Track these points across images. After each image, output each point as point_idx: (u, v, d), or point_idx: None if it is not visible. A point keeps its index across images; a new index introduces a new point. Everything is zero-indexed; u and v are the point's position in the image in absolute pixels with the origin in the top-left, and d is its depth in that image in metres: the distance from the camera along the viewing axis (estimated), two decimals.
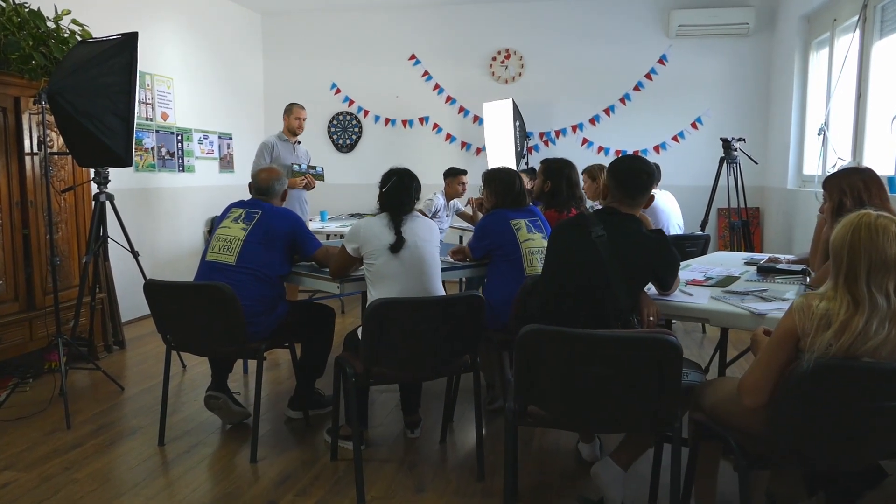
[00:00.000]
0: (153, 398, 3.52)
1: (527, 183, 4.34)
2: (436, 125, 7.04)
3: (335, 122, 7.28)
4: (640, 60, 6.52)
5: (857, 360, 1.64)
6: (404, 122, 7.12)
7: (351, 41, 7.11)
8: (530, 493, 2.58)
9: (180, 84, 5.90)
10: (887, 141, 3.97)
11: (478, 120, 6.86)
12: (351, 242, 2.79)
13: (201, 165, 6.23)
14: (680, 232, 4.71)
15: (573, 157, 3.77)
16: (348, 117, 7.25)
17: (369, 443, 3.00)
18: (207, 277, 2.93)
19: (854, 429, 1.72)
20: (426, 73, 6.99)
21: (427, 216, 3.53)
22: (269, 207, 3.11)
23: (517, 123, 6.16)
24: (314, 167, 5.19)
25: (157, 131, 5.61)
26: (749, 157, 5.57)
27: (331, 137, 7.30)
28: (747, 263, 3.35)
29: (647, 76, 6.53)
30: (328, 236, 5.39)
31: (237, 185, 6.37)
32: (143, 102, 5.42)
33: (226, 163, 6.64)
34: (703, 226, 5.56)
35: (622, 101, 6.62)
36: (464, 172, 5.39)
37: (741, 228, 5.45)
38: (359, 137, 7.26)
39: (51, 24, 3.81)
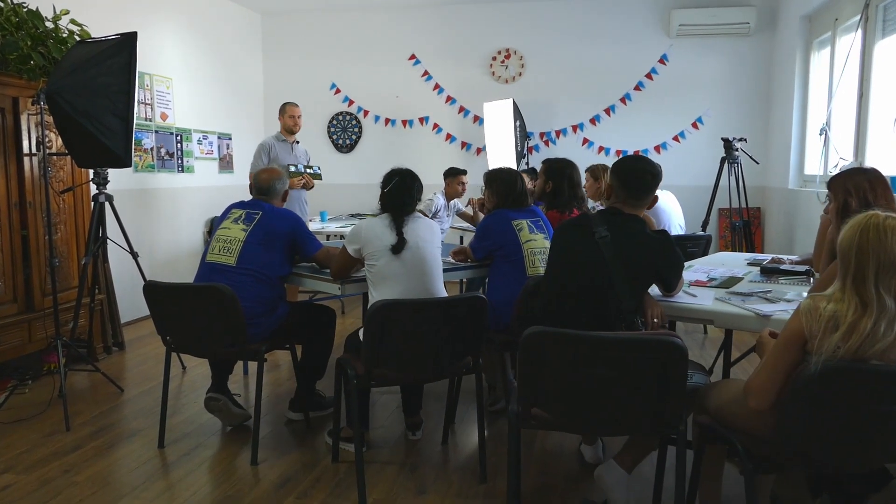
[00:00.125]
0: (153, 400, 3.50)
1: (527, 183, 4.32)
2: (436, 125, 7.02)
3: (335, 122, 7.26)
4: (641, 60, 6.50)
5: (865, 362, 1.62)
6: (404, 122, 7.10)
7: (351, 41, 7.10)
8: (533, 496, 2.56)
9: (180, 84, 5.88)
10: (890, 141, 3.95)
11: (478, 120, 6.84)
12: (352, 243, 2.78)
13: (201, 166, 6.21)
14: (681, 232, 4.69)
15: (574, 157, 3.75)
16: (348, 117, 7.23)
17: (370, 445, 2.98)
18: (207, 278, 2.92)
19: (862, 432, 1.71)
20: (426, 72, 6.97)
21: (427, 216, 3.52)
22: (269, 208, 3.09)
23: (517, 123, 6.15)
24: (311, 167, 5.17)
25: (156, 132, 5.59)
26: (750, 157, 5.55)
27: (330, 137, 7.28)
28: (750, 264, 3.33)
29: (648, 76, 6.52)
30: (328, 237, 5.38)
31: (237, 185, 6.35)
32: (143, 103, 5.40)
33: (225, 163, 6.62)
34: (704, 226, 5.55)
35: (623, 100, 6.60)
36: (464, 172, 5.38)
37: (742, 229, 5.43)
38: (359, 137, 7.24)
39: (49, 24, 3.79)
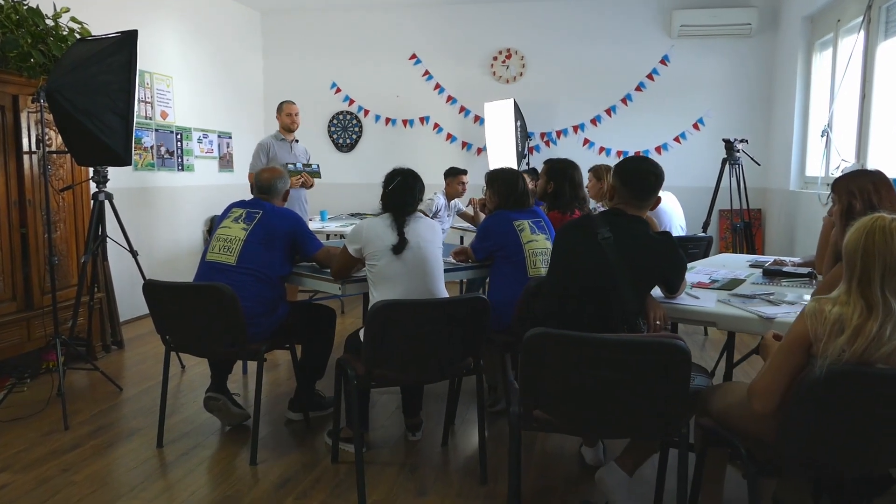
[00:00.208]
0: (152, 399, 3.49)
1: (528, 183, 4.31)
2: (436, 125, 7.01)
3: (335, 121, 7.24)
4: (642, 61, 6.49)
5: (870, 366, 1.61)
6: (405, 122, 7.09)
7: (351, 40, 7.08)
8: (533, 498, 2.55)
9: (180, 82, 5.86)
10: (892, 143, 3.94)
11: (478, 120, 6.83)
12: (353, 243, 2.76)
13: (201, 164, 6.20)
14: (682, 233, 4.68)
15: (574, 157, 3.74)
16: (348, 117, 7.21)
17: (370, 445, 2.97)
18: (208, 278, 2.90)
19: (867, 436, 1.70)
20: (427, 72, 6.96)
21: (428, 216, 3.51)
22: (270, 207, 3.07)
23: (518, 123, 6.13)
24: (310, 165, 5.15)
25: (156, 130, 5.57)
26: (751, 159, 5.54)
27: (331, 137, 7.27)
28: (752, 266, 3.32)
29: (649, 76, 6.51)
30: (328, 236, 5.36)
31: (237, 184, 6.33)
32: (143, 101, 5.38)
33: (225, 162, 6.61)
34: (704, 227, 5.55)
35: (624, 101, 6.59)
36: (464, 172, 5.38)
37: (743, 230, 5.42)
38: (359, 137, 7.22)
39: (49, 22, 3.77)
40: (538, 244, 3.10)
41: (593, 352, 1.92)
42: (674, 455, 2.19)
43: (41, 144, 3.50)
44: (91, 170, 3.91)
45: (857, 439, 1.70)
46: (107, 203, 3.90)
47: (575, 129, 6.72)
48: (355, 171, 7.18)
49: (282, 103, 5.20)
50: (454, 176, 5.33)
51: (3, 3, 3.58)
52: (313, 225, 5.44)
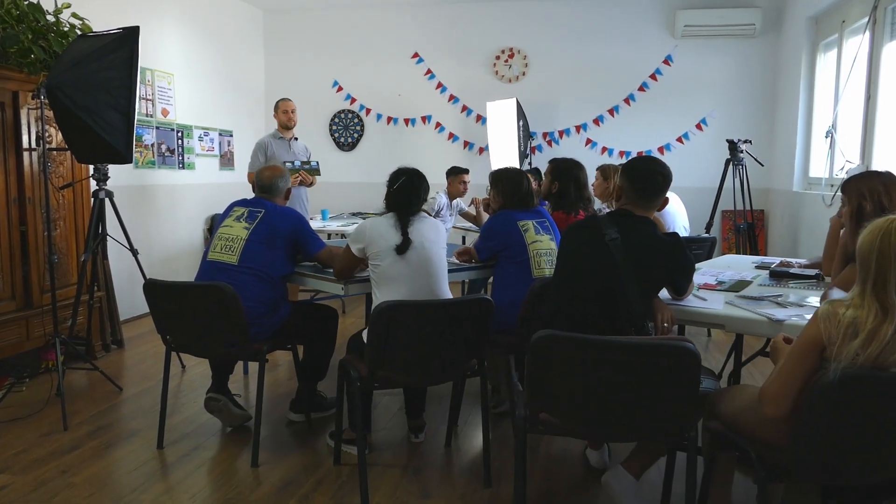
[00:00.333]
0: (152, 399, 3.46)
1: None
2: (438, 124, 6.98)
3: (337, 120, 7.21)
4: (645, 61, 6.46)
5: (885, 370, 1.58)
6: (406, 121, 7.06)
7: (353, 39, 7.05)
8: (538, 501, 2.53)
9: (181, 80, 5.83)
10: None
11: (481, 119, 6.80)
12: (356, 242, 2.73)
13: (201, 162, 6.17)
14: (686, 234, 4.66)
15: (577, 157, 3.70)
16: (350, 115, 7.18)
17: (372, 447, 2.94)
18: (209, 277, 2.87)
19: (881, 441, 1.67)
20: (429, 71, 6.93)
21: (430, 215, 3.48)
22: (272, 206, 3.04)
23: (521, 123, 6.11)
24: (308, 162, 5.12)
25: (157, 128, 5.54)
26: (755, 159, 5.52)
27: (332, 135, 7.24)
28: (758, 267, 3.30)
29: (652, 76, 6.48)
30: (329, 235, 5.33)
31: (237, 182, 6.30)
32: (144, 98, 5.35)
33: (226, 160, 6.58)
34: (707, 228, 5.52)
35: (627, 101, 6.56)
36: (465, 171, 5.36)
37: (747, 231, 5.40)
38: (360, 136, 7.19)
39: (50, 18, 3.75)
40: (542, 244, 3.07)
41: (601, 354, 1.90)
42: (681, 458, 2.17)
43: (41, 141, 3.47)
44: (91, 167, 3.88)
45: (871, 444, 1.68)
46: (107, 201, 3.86)
47: (577, 128, 6.69)
48: (357, 170, 7.15)
49: (278, 101, 5.20)
50: (456, 175, 5.31)
51: None
52: (314, 224, 5.40)
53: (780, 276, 2.94)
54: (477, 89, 6.78)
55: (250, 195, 3.20)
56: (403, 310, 2.42)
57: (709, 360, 4.24)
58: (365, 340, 2.52)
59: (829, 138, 4.92)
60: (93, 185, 3.92)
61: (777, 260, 3.47)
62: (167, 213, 5.69)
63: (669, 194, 2.39)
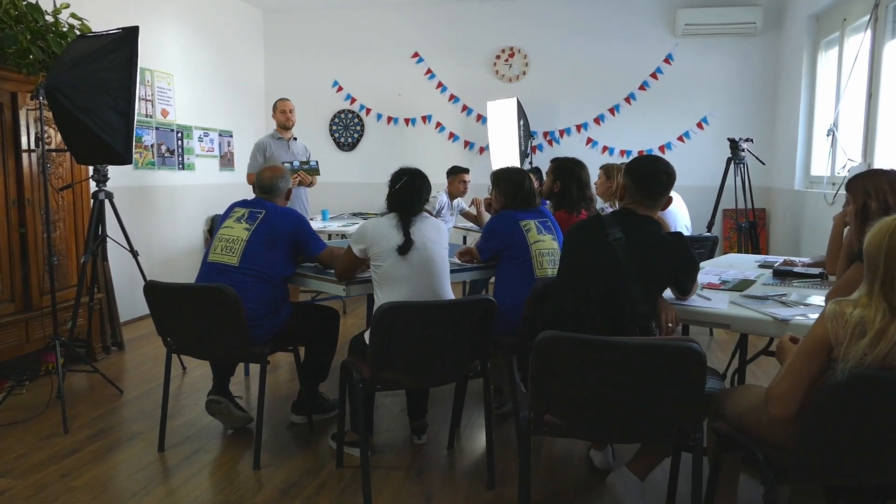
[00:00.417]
0: (153, 402, 3.44)
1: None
2: (438, 124, 6.96)
3: (337, 120, 7.19)
4: (646, 59, 6.45)
5: (893, 370, 1.57)
6: (406, 121, 7.05)
7: (353, 38, 7.03)
8: (542, 503, 2.51)
9: (180, 81, 5.81)
10: None
11: (481, 119, 6.78)
12: (358, 243, 2.72)
13: (201, 163, 6.15)
14: (688, 233, 4.64)
15: (577, 156, 3.68)
16: (350, 115, 7.17)
17: (375, 449, 2.92)
18: (210, 279, 2.85)
19: (889, 441, 1.65)
20: (429, 71, 6.91)
21: (431, 214, 3.46)
22: (272, 207, 3.03)
23: (521, 122, 6.09)
24: (307, 162, 5.10)
25: (156, 128, 5.52)
26: (756, 158, 5.50)
27: (332, 136, 7.22)
28: (761, 266, 3.28)
29: (653, 75, 6.46)
30: (329, 236, 5.31)
31: (237, 183, 6.28)
32: (143, 99, 5.33)
33: (226, 161, 6.56)
34: (709, 227, 5.51)
35: (627, 100, 6.55)
36: (466, 171, 5.35)
37: (748, 230, 5.38)
38: (361, 136, 7.18)
39: (49, 18, 3.73)
40: (545, 244, 3.05)
41: (606, 355, 1.88)
42: (686, 459, 2.15)
43: (40, 142, 3.45)
44: (91, 168, 3.86)
45: (878, 445, 1.66)
46: (107, 202, 3.85)
47: (578, 128, 6.68)
48: (357, 170, 7.14)
49: (276, 101, 5.20)
50: (456, 174, 5.31)
51: None
52: (315, 224, 5.38)
53: (783, 275, 2.93)
54: (477, 89, 6.77)
55: (251, 196, 3.19)
56: (406, 311, 2.41)
57: (711, 359, 4.22)
58: (367, 341, 2.50)
59: (830, 136, 4.90)
60: (92, 186, 3.90)
61: (780, 259, 3.45)
62: (167, 215, 5.68)
63: (672, 193, 2.37)
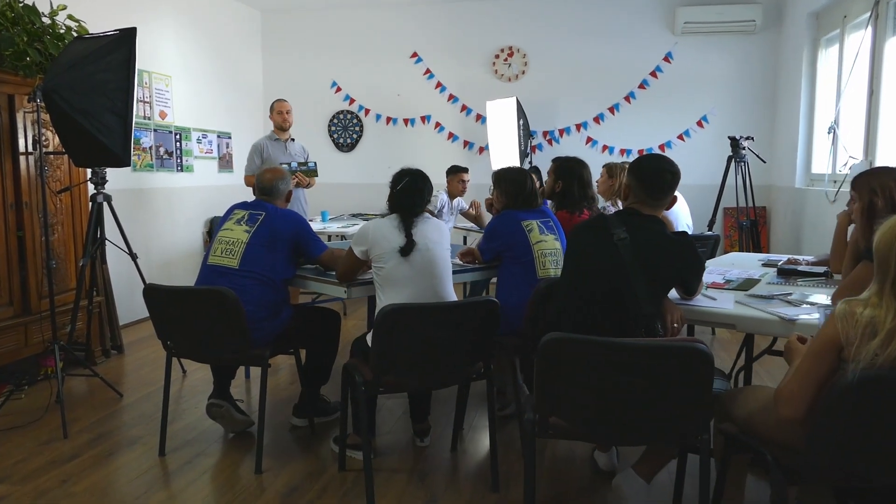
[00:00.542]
0: (153, 405, 3.42)
1: None
2: (438, 124, 6.94)
3: (335, 120, 7.17)
4: (646, 58, 6.43)
5: None
6: (406, 121, 7.02)
7: (352, 39, 7.01)
8: None
9: (179, 82, 5.78)
10: None
11: (480, 118, 6.76)
12: (359, 245, 2.69)
13: (200, 165, 6.12)
14: (690, 232, 4.62)
15: (577, 156, 3.66)
16: (349, 116, 7.14)
17: (377, 452, 2.90)
18: (210, 282, 2.83)
19: None
20: (428, 71, 6.89)
21: (434, 214, 3.44)
22: (272, 209, 3.00)
23: (521, 122, 6.07)
24: (305, 163, 5.07)
25: (155, 130, 5.49)
26: (757, 156, 5.49)
27: (331, 136, 7.20)
28: (765, 265, 3.26)
29: (653, 74, 6.44)
30: (329, 237, 5.29)
31: (236, 184, 6.25)
32: (141, 101, 5.30)
33: (225, 162, 6.53)
34: (710, 225, 5.49)
35: (627, 99, 6.53)
36: (465, 170, 5.33)
37: (750, 228, 5.36)
38: (360, 136, 7.15)
39: (46, 20, 3.70)
40: (547, 245, 3.03)
41: (612, 356, 1.86)
42: (692, 460, 2.13)
43: (38, 145, 3.41)
44: (89, 171, 3.83)
45: (890, 446, 1.64)
46: (105, 205, 3.82)
47: (578, 127, 6.65)
48: (356, 170, 7.11)
49: (273, 102, 5.17)
50: (455, 174, 5.29)
51: None
52: (314, 226, 5.36)
53: (788, 273, 2.91)
54: (476, 88, 6.74)
55: (250, 197, 3.16)
56: (408, 313, 2.38)
57: (714, 358, 4.19)
58: (369, 344, 2.48)
59: (831, 134, 4.88)
60: (91, 188, 3.87)
61: (783, 257, 3.43)
62: (166, 217, 5.65)
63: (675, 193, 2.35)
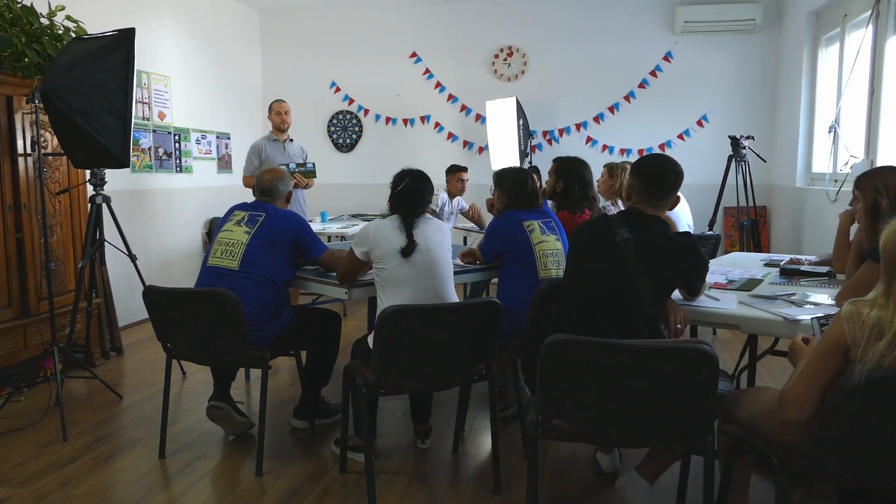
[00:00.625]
0: (153, 407, 3.40)
1: None
2: (437, 124, 6.93)
3: (335, 121, 7.16)
4: (645, 57, 6.42)
5: None
6: (405, 121, 7.01)
7: (351, 39, 7.00)
8: None
9: (177, 83, 5.77)
10: None
11: (480, 118, 6.75)
12: (360, 246, 2.68)
13: (199, 166, 6.11)
14: (691, 232, 4.61)
15: (577, 155, 3.64)
16: (348, 116, 7.13)
17: (378, 454, 2.89)
18: (209, 283, 2.81)
19: None
20: (427, 70, 6.87)
21: (434, 213, 3.42)
22: (272, 210, 2.99)
23: (520, 122, 6.06)
24: (304, 164, 5.06)
25: (153, 131, 5.48)
26: (758, 156, 5.48)
27: (330, 137, 7.18)
28: (767, 265, 3.25)
29: (653, 73, 6.43)
30: (329, 238, 5.28)
31: (236, 185, 6.23)
32: (140, 101, 5.29)
33: (224, 163, 6.52)
34: (711, 225, 5.48)
35: (627, 98, 6.52)
36: (464, 169, 5.32)
37: (750, 228, 5.35)
38: (359, 137, 7.14)
39: (44, 21, 3.69)
40: (549, 245, 3.02)
41: (615, 358, 1.85)
42: (695, 462, 2.12)
43: (37, 146, 3.40)
44: (88, 172, 3.82)
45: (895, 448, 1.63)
46: (104, 206, 3.80)
47: (577, 126, 6.64)
48: (356, 171, 7.10)
49: (272, 103, 5.16)
50: (454, 173, 5.28)
51: None
52: (314, 226, 5.35)
53: (790, 273, 2.90)
54: (476, 88, 6.73)
55: (249, 198, 3.15)
56: (410, 314, 2.37)
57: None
58: (370, 345, 2.47)
59: (832, 133, 4.87)
60: (89, 190, 3.86)
61: (785, 257, 3.42)
62: (165, 218, 5.63)
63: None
